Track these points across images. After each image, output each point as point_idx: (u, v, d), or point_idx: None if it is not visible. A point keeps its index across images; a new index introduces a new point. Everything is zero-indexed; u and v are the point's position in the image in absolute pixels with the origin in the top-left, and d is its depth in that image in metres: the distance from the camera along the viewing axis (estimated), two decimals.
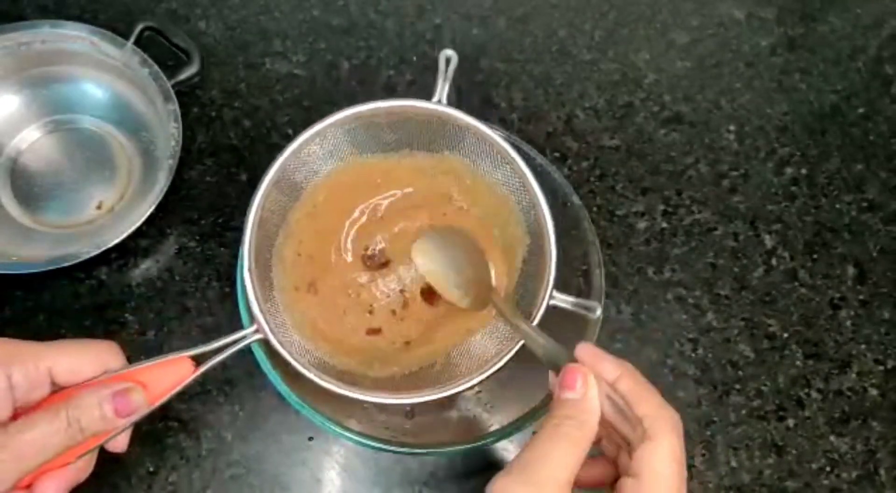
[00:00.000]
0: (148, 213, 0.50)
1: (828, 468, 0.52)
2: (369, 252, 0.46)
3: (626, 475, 0.31)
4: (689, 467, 0.52)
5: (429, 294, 0.46)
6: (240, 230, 0.55)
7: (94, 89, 0.58)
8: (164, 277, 0.54)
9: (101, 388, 0.32)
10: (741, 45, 0.66)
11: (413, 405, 0.50)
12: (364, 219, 0.47)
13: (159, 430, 0.50)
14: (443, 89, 0.39)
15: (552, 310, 0.39)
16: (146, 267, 0.54)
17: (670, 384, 0.54)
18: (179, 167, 0.52)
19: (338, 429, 0.41)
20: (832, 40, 0.67)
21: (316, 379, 0.37)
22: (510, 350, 0.39)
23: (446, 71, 0.38)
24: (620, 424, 0.32)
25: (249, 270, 0.38)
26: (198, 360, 0.35)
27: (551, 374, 0.35)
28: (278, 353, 0.38)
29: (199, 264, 0.55)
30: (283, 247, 0.44)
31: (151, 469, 0.49)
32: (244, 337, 0.36)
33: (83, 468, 0.33)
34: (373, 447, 0.41)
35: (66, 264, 0.48)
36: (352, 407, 0.49)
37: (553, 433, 0.30)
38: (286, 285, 0.43)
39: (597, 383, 0.32)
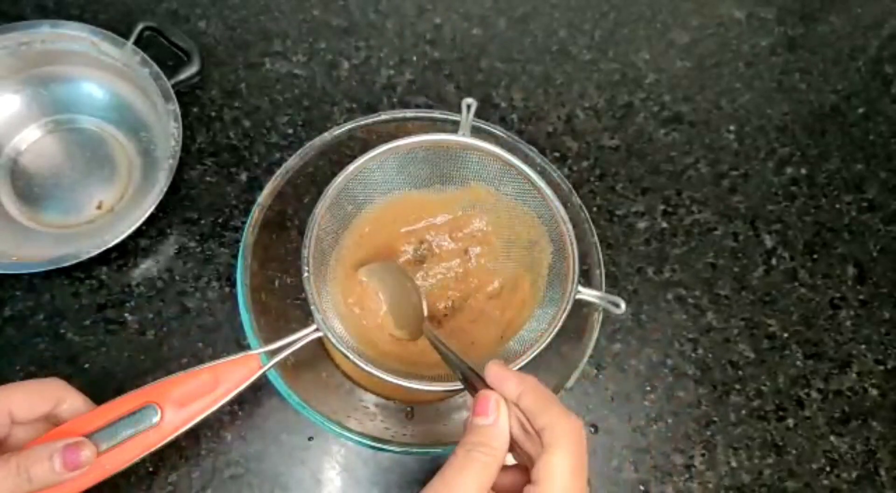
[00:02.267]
0: (148, 213, 0.50)
1: (828, 468, 0.52)
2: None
3: (529, 485, 0.32)
4: (689, 467, 0.52)
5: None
6: (240, 230, 0.55)
7: (94, 89, 0.58)
8: (164, 277, 0.54)
9: (53, 442, 0.34)
10: (741, 45, 0.66)
11: (413, 405, 0.50)
12: (403, 249, 0.51)
13: None
14: (466, 128, 0.44)
15: (578, 304, 0.42)
16: (146, 267, 0.54)
17: (670, 384, 0.54)
18: (179, 167, 0.52)
19: (338, 429, 0.41)
20: (832, 40, 0.67)
21: (375, 371, 0.41)
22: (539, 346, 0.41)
23: (468, 116, 0.44)
24: (524, 442, 0.33)
25: (310, 275, 0.42)
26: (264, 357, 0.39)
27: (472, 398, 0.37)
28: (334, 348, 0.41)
29: (199, 263, 0.55)
30: (336, 268, 0.47)
31: (151, 469, 0.49)
32: (307, 335, 0.40)
33: None
34: (373, 447, 0.41)
35: (66, 264, 0.48)
36: (352, 407, 0.49)
37: (464, 460, 0.32)
38: (338, 299, 0.47)
39: (505, 405, 0.33)
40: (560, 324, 0.41)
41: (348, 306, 0.48)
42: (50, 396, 0.37)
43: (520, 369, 0.40)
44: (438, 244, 0.51)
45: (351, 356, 0.40)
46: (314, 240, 0.42)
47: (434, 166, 0.47)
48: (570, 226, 0.43)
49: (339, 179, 0.44)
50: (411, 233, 0.51)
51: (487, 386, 0.35)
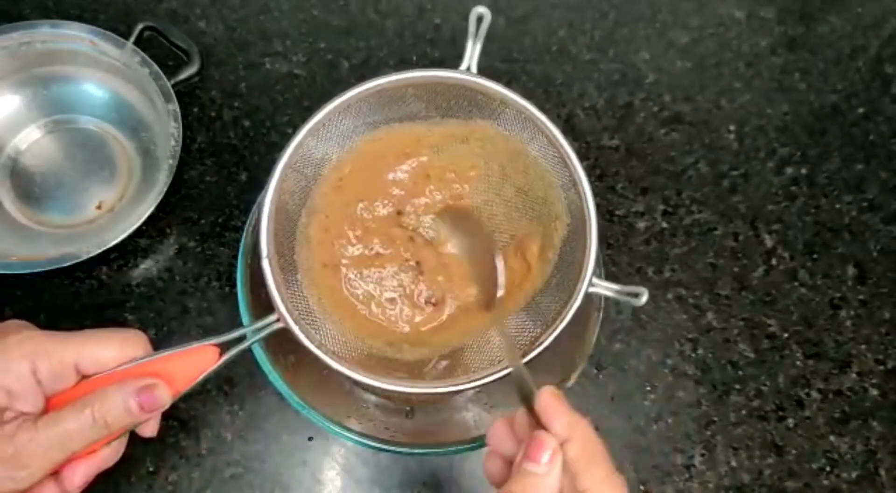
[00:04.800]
0: (148, 213, 0.50)
1: (828, 468, 0.52)
2: (402, 223, 0.45)
3: None
4: (689, 467, 0.52)
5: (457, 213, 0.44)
6: (240, 230, 0.55)
7: (94, 89, 0.58)
8: (164, 277, 0.54)
9: (125, 384, 0.32)
10: (741, 45, 0.66)
11: (413, 405, 0.50)
12: (395, 188, 0.44)
13: (159, 430, 0.50)
14: (472, 54, 0.36)
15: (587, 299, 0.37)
16: (146, 267, 0.54)
17: (670, 384, 0.54)
18: (179, 167, 0.52)
19: (338, 429, 0.41)
20: (832, 40, 0.67)
21: (339, 367, 0.36)
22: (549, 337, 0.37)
23: (476, 32, 0.35)
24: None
25: (268, 257, 0.36)
26: (221, 348, 0.35)
27: (521, 412, 0.33)
28: (298, 343, 0.36)
29: (199, 263, 0.55)
30: (309, 226, 0.42)
31: (151, 469, 0.49)
32: (267, 325, 0.36)
33: (111, 454, 0.34)
34: (373, 447, 0.42)
35: (66, 264, 0.48)
36: (352, 407, 0.49)
37: None
38: (313, 263, 0.41)
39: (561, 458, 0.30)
40: (568, 318, 0.36)
41: (328, 267, 0.42)
42: (123, 352, 0.33)
43: (507, 374, 0.36)
44: (435, 183, 0.44)
45: (320, 354, 0.36)
46: (273, 211, 0.36)
47: (430, 101, 0.39)
48: (592, 204, 0.36)
49: (301, 136, 0.36)
50: (402, 171, 0.44)
51: (532, 409, 0.31)
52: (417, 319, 0.44)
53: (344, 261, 0.44)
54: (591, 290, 0.36)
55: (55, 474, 0.32)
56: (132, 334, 0.34)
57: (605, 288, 0.36)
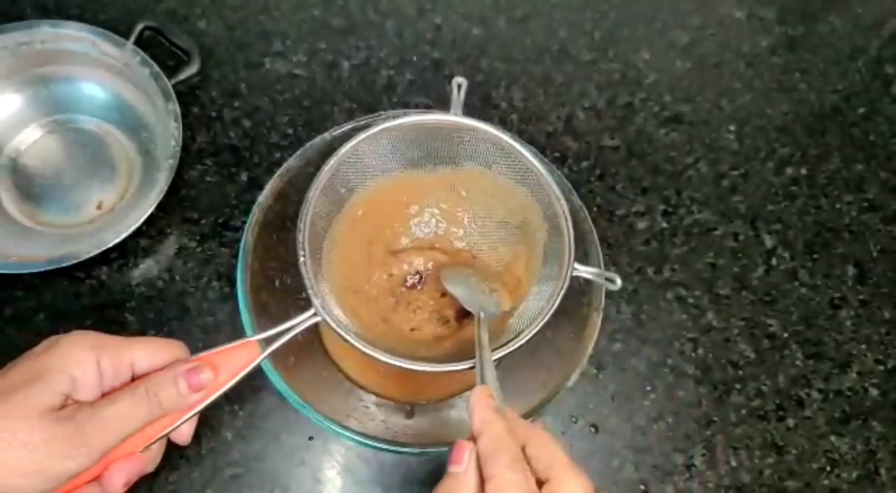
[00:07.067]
0: (148, 213, 0.50)
1: (828, 468, 0.52)
2: (405, 267, 0.52)
3: None
4: (690, 466, 0.52)
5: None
6: (240, 230, 0.55)
7: (94, 89, 0.58)
8: (164, 277, 0.54)
9: (174, 366, 0.36)
10: (741, 45, 0.66)
11: (413, 405, 0.50)
12: (398, 231, 0.52)
13: None
14: (457, 107, 0.45)
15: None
16: (146, 267, 0.54)
17: (670, 384, 0.54)
18: (179, 167, 0.52)
19: (338, 429, 0.41)
20: (832, 40, 0.67)
21: (378, 354, 0.40)
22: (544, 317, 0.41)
23: (459, 95, 0.45)
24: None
25: (304, 260, 0.41)
26: (259, 343, 0.38)
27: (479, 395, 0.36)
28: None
29: (199, 263, 0.55)
30: (331, 252, 0.47)
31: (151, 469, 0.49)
32: (305, 320, 0.39)
33: (152, 458, 0.37)
34: (373, 447, 0.41)
35: (66, 264, 0.48)
36: (352, 407, 0.49)
37: None
38: (334, 285, 0.46)
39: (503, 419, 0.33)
40: (557, 302, 0.41)
41: (346, 289, 0.48)
42: (172, 356, 0.37)
43: (520, 346, 0.40)
44: (432, 225, 0.51)
45: (351, 340, 0.40)
46: (309, 224, 0.42)
47: (426, 147, 0.47)
48: (563, 202, 0.43)
49: (333, 162, 0.44)
50: (405, 215, 0.51)
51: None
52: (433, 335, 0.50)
53: (363, 287, 0.50)
54: (575, 273, 0.42)
55: (97, 478, 0.34)
56: (176, 342, 0.38)
57: (586, 272, 0.42)
